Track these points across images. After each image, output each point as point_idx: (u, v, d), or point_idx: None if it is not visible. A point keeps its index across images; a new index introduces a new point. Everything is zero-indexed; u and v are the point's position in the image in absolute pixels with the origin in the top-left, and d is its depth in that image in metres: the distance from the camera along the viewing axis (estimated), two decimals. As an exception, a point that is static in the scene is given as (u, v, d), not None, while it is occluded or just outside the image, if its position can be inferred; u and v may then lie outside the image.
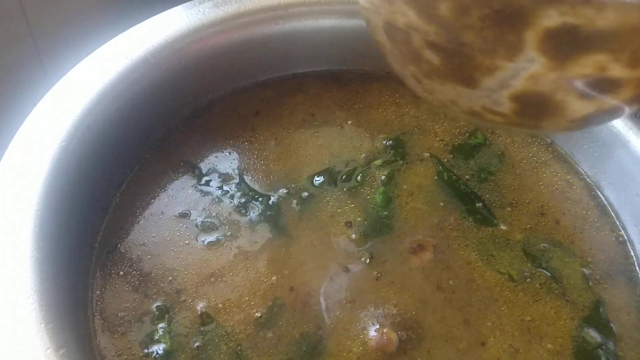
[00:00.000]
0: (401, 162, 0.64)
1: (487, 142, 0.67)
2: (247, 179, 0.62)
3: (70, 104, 0.56)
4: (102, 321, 0.52)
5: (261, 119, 0.67)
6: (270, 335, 0.52)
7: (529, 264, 0.57)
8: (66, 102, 0.56)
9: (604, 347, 0.53)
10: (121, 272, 0.55)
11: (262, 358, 0.51)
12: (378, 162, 0.64)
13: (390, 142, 0.66)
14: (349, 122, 0.67)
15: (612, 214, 0.62)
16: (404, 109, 0.69)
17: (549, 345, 0.53)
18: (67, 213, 0.52)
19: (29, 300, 0.45)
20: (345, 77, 0.71)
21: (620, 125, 0.61)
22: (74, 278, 0.52)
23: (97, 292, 0.54)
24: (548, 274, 0.57)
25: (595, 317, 0.55)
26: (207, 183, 0.61)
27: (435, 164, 0.64)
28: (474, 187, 0.63)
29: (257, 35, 0.67)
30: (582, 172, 0.65)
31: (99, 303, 0.53)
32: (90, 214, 0.56)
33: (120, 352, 0.51)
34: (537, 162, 0.66)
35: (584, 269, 0.57)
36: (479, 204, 0.61)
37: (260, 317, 0.53)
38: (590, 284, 0.57)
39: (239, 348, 0.51)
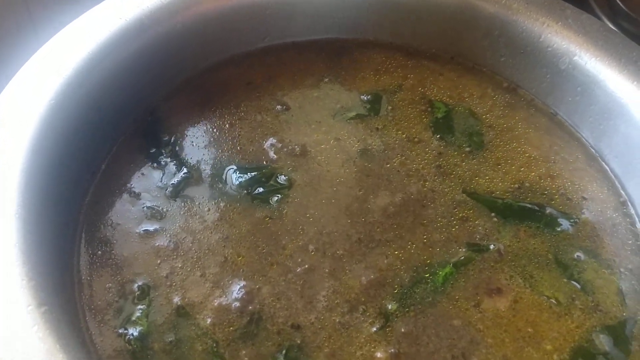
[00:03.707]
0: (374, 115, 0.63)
1: (450, 107, 0.64)
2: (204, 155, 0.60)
3: (61, 62, 0.54)
4: (88, 289, 0.50)
5: (253, 91, 0.65)
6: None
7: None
8: (56, 60, 0.54)
9: (609, 356, 0.50)
10: (100, 251, 0.53)
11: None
12: (351, 114, 0.63)
13: (369, 97, 0.65)
14: (342, 92, 0.65)
15: (618, 185, 0.60)
16: (397, 76, 0.67)
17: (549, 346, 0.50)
18: (55, 172, 0.51)
19: (11, 256, 0.44)
20: (346, 46, 0.69)
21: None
22: (60, 239, 0.51)
23: (83, 258, 0.52)
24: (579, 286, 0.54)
25: (619, 329, 0.51)
26: (168, 160, 0.59)
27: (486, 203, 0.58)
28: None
29: (256, 1, 0.65)
30: (587, 143, 0.63)
31: (84, 270, 0.51)
32: (78, 175, 0.55)
33: (100, 320, 0.49)
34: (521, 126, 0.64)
35: (620, 283, 0.54)
36: (548, 210, 0.58)
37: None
38: (627, 301, 0.53)
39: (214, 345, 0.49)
